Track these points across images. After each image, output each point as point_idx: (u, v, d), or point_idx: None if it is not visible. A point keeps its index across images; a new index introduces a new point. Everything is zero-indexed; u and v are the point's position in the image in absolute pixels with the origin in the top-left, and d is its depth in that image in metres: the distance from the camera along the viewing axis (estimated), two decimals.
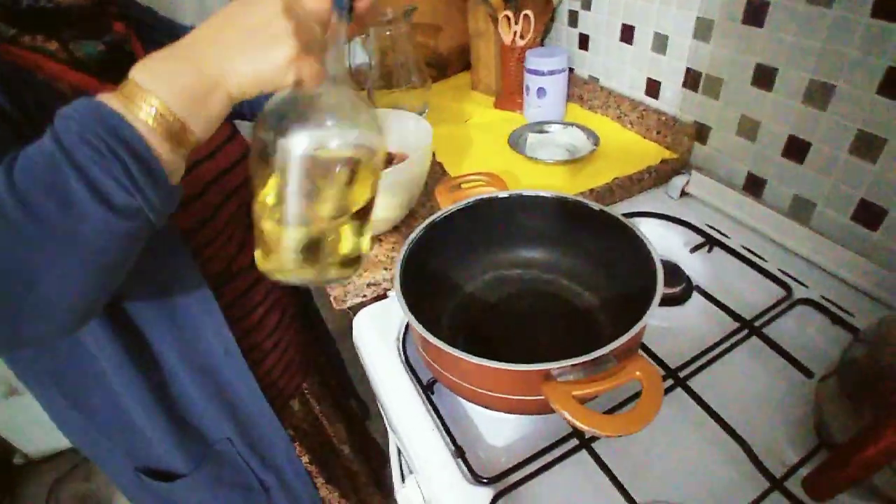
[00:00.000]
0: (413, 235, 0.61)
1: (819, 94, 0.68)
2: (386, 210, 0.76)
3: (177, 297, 0.55)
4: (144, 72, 0.33)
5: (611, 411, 0.55)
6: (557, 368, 0.45)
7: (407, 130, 0.85)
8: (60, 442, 1.72)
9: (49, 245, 0.32)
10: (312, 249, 0.42)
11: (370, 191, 0.43)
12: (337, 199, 0.41)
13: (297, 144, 0.37)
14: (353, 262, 0.45)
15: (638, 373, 0.44)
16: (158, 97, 0.32)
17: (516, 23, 1.04)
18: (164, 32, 0.57)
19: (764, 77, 0.74)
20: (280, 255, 0.41)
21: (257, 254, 0.43)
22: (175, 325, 0.56)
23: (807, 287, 0.68)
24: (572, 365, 0.45)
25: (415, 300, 0.53)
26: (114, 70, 0.49)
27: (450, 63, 1.34)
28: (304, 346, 0.85)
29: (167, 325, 0.56)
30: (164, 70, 0.33)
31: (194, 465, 0.66)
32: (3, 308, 0.33)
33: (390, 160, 0.84)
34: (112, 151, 0.31)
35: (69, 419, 0.64)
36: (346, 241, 0.43)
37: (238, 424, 0.67)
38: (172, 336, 0.57)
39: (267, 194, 0.40)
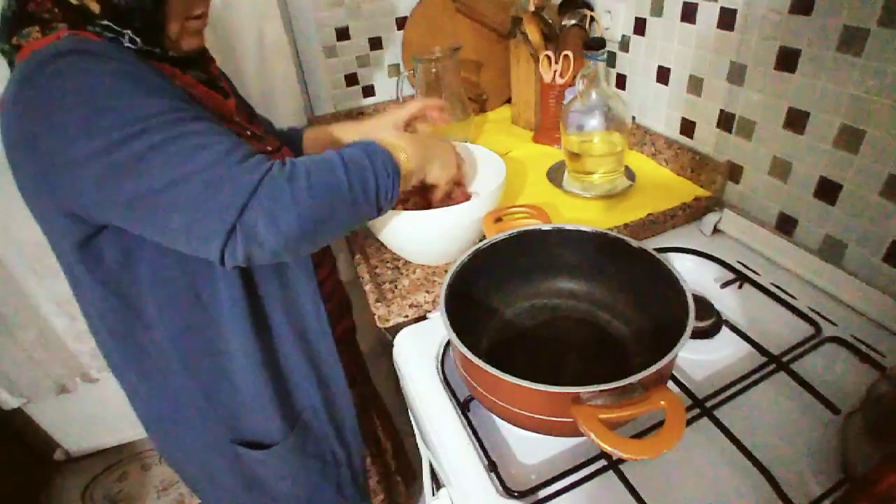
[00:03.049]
0: (459, 260, 0.65)
1: (850, 139, 0.70)
2: (455, 242, 0.79)
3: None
4: (403, 146, 0.65)
5: (639, 435, 0.57)
6: (587, 392, 0.48)
7: (481, 165, 0.89)
8: (101, 440, 1.76)
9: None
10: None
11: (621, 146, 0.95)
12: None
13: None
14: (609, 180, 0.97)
15: (662, 402, 0.46)
16: (406, 154, 0.64)
17: (556, 62, 1.09)
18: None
19: (796, 120, 0.76)
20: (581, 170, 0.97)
21: (570, 170, 1.01)
22: (283, 285, 0.67)
23: (836, 325, 0.69)
24: (601, 390, 0.48)
25: (457, 321, 0.57)
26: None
27: (491, 98, 1.40)
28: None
29: (277, 285, 0.67)
30: (413, 151, 0.66)
31: (286, 432, 0.73)
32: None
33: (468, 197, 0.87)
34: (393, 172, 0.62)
35: (171, 391, 0.69)
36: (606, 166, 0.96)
37: (322, 392, 0.75)
38: (281, 297, 0.67)
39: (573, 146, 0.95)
